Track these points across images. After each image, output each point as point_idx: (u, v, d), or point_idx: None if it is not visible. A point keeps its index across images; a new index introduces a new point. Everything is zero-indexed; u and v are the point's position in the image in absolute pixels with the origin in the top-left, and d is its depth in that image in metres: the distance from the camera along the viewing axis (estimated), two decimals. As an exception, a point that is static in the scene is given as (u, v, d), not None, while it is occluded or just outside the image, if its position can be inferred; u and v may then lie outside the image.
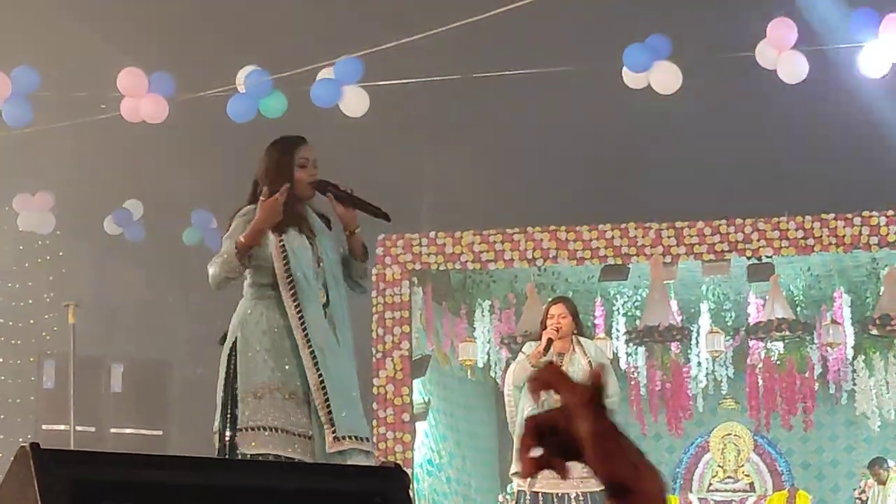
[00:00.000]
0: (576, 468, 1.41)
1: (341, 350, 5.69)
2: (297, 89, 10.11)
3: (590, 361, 8.87)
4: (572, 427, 1.40)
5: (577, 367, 8.84)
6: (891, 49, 9.42)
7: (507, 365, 10.66)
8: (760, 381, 13.07)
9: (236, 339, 5.65)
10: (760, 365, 13.03)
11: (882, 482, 12.44)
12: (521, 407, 9.30)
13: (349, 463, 5.35)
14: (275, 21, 12.88)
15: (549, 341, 8.91)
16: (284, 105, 10.05)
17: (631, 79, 9.67)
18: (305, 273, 5.71)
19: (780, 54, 9.46)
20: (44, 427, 12.18)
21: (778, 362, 13.00)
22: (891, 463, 12.61)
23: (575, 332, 9.09)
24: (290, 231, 5.79)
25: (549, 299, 9.62)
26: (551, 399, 1.42)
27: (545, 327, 9.07)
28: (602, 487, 1.41)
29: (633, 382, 13.10)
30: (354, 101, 9.85)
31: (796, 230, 11.75)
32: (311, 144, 5.86)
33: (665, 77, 9.48)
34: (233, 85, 9.97)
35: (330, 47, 10.30)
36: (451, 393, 13.14)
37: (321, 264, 5.80)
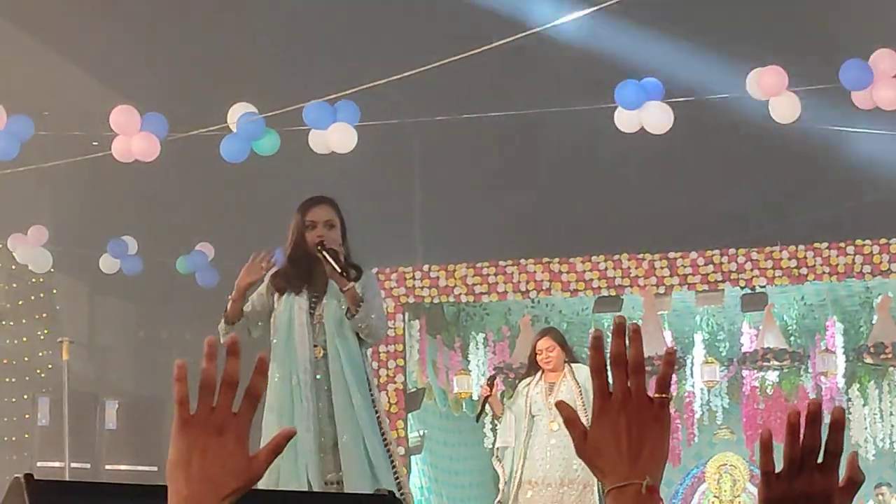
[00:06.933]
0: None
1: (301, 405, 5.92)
2: (288, 127, 10.13)
3: (580, 389, 8.93)
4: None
5: (566, 394, 8.91)
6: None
7: (501, 397, 10.68)
8: (757, 411, 13.07)
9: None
10: (756, 394, 13.03)
11: (880, 506, 12.53)
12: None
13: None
14: (266, 60, 12.92)
15: (485, 399, 9.39)
16: (278, 143, 10.06)
17: (622, 120, 9.68)
18: (289, 334, 5.86)
19: (771, 97, 9.45)
20: (39, 464, 12.15)
21: (771, 392, 13.00)
22: (884, 489, 12.66)
23: (566, 359, 9.17)
24: (286, 295, 5.91)
25: (537, 332, 9.67)
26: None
27: (535, 361, 9.22)
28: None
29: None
30: (343, 139, 9.88)
31: (789, 259, 11.75)
32: (325, 205, 5.94)
33: (656, 117, 9.51)
34: (225, 123, 9.98)
35: (321, 86, 10.33)
36: (433, 429, 13.00)
37: (320, 322, 5.90)
